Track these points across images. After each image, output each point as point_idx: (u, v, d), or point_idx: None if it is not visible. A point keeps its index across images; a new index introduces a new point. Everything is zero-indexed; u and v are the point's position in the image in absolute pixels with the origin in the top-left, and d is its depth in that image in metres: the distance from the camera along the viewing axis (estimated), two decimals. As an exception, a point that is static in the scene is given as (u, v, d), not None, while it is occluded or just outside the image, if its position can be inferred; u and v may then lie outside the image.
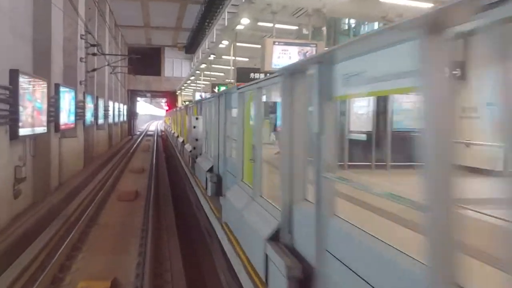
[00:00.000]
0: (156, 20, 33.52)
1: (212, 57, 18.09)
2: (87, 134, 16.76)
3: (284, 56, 9.15)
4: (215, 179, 7.21)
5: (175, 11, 30.83)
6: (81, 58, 15.50)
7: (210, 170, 7.72)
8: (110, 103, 24.51)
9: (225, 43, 14.88)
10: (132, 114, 44.66)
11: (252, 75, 11.62)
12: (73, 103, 12.90)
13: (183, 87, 36.81)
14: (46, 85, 9.94)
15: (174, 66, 42.94)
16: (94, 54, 17.28)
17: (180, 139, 16.95)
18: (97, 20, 20.94)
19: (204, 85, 26.21)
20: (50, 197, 10.23)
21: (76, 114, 13.43)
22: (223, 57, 17.45)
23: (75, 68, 14.71)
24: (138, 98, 57.04)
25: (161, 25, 34.93)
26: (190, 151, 10.83)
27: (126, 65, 32.76)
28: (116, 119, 27.81)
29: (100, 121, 19.82)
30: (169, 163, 21.06)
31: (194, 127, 10.37)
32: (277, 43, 9.24)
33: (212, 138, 8.44)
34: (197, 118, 10.50)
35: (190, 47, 34.49)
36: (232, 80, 15.86)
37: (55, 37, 11.11)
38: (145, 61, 36.69)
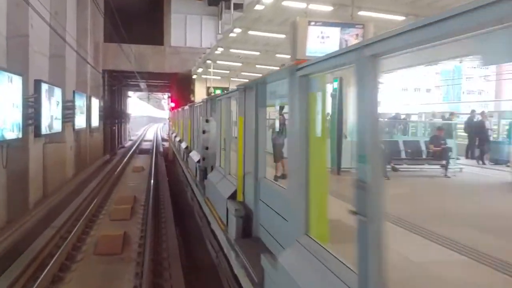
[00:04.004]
0: None
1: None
2: None
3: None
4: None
5: None
6: None
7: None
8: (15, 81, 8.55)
9: None
10: (114, 116, 26.41)
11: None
12: None
13: (211, 59, 18.15)
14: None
15: (188, 28, 24.55)
16: None
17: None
18: None
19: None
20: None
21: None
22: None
23: None
24: (130, 94, 40.48)
25: None
26: None
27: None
28: (57, 127, 12.26)
29: None
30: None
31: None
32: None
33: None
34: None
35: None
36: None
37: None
38: (135, 18, 20.13)
